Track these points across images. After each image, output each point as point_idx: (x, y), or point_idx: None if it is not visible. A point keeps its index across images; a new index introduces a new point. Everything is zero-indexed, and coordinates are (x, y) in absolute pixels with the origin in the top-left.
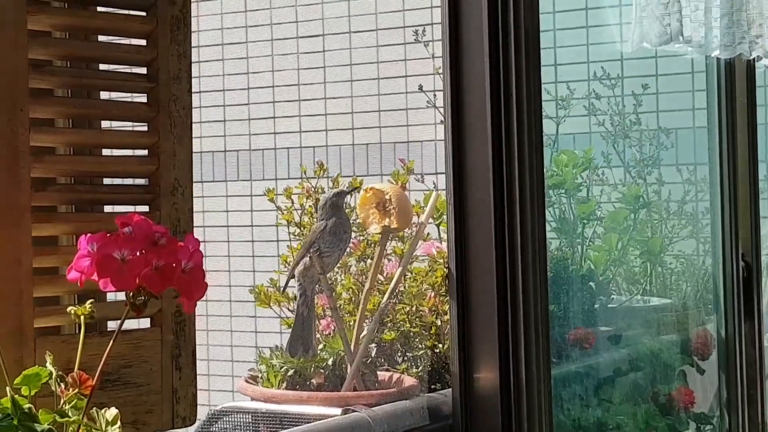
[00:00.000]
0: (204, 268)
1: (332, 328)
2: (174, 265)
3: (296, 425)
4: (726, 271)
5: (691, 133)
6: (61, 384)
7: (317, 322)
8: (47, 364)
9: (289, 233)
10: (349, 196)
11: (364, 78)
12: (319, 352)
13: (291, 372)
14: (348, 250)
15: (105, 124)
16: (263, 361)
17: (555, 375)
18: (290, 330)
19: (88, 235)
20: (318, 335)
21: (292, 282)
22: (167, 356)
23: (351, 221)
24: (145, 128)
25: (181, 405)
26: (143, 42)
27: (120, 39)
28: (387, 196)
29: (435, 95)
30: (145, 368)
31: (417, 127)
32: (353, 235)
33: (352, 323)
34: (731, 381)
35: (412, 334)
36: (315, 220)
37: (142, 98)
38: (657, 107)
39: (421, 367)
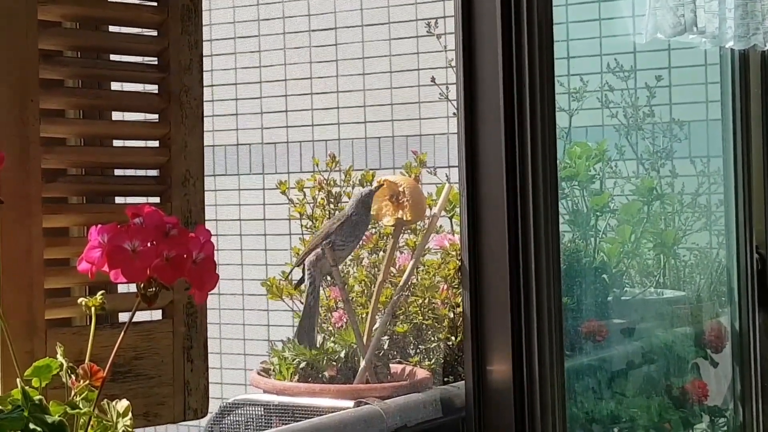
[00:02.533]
0: (215, 259)
1: (344, 320)
2: (185, 256)
3: (309, 418)
4: (740, 263)
5: (705, 125)
6: (72, 376)
7: (330, 314)
8: (58, 356)
9: (302, 226)
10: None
11: (377, 71)
12: (332, 344)
13: (303, 364)
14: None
15: (116, 114)
16: (275, 354)
17: (568, 368)
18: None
19: (99, 226)
20: (330, 327)
21: (298, 270)
22: (179, 348)
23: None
24: (156, 119)
25: (192, 397)
26: (154, 32)
27: (131, 29)
28: (401, 189)
29: (447, 88)
30: (156, 360)
31: (429, 120)
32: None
33: (364, 316)
34: (745, 373)
35: (424, 326)
36: (327, 212)
37: (153, 89)
38: (670, 99)
39: (433, 360)
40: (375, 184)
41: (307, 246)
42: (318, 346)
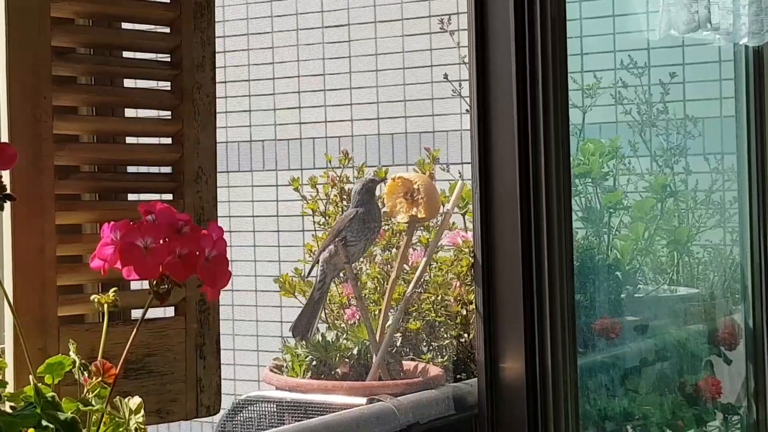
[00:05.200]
0: (228, 256)
1: (357, 317)
2: (197, 253)
3: (321, 415)
4: (753, 260)
5: (719, 122)
6: (85, 372)
7: (342, 311)
8: (71, 353)
9: (314, 223)
10: (381, 185)
11: (390, 68)
12: (344, 341)
13: (316, 361)
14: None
15: (128, 112)
16: (288, 351)
17: (581, 365)
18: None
19: (112, 223)
20: (343, 324)
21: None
22: (191, 345)
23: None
24: (169, 116)
25: (205, 394)
26: (167, 29)
27: (143, 26)
28: (415, 186)
29: (461, 85)
30: (168, 357)
31: (442, 116)
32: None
33: (377, 312)
34: (759, 371)
35: (437, 323)
36: (340, 209)
37: (166, 86)
38: (684, 96)
39: (446, 357)
40: (388, 180)
41: (321, 243)
42: (315, 341)
